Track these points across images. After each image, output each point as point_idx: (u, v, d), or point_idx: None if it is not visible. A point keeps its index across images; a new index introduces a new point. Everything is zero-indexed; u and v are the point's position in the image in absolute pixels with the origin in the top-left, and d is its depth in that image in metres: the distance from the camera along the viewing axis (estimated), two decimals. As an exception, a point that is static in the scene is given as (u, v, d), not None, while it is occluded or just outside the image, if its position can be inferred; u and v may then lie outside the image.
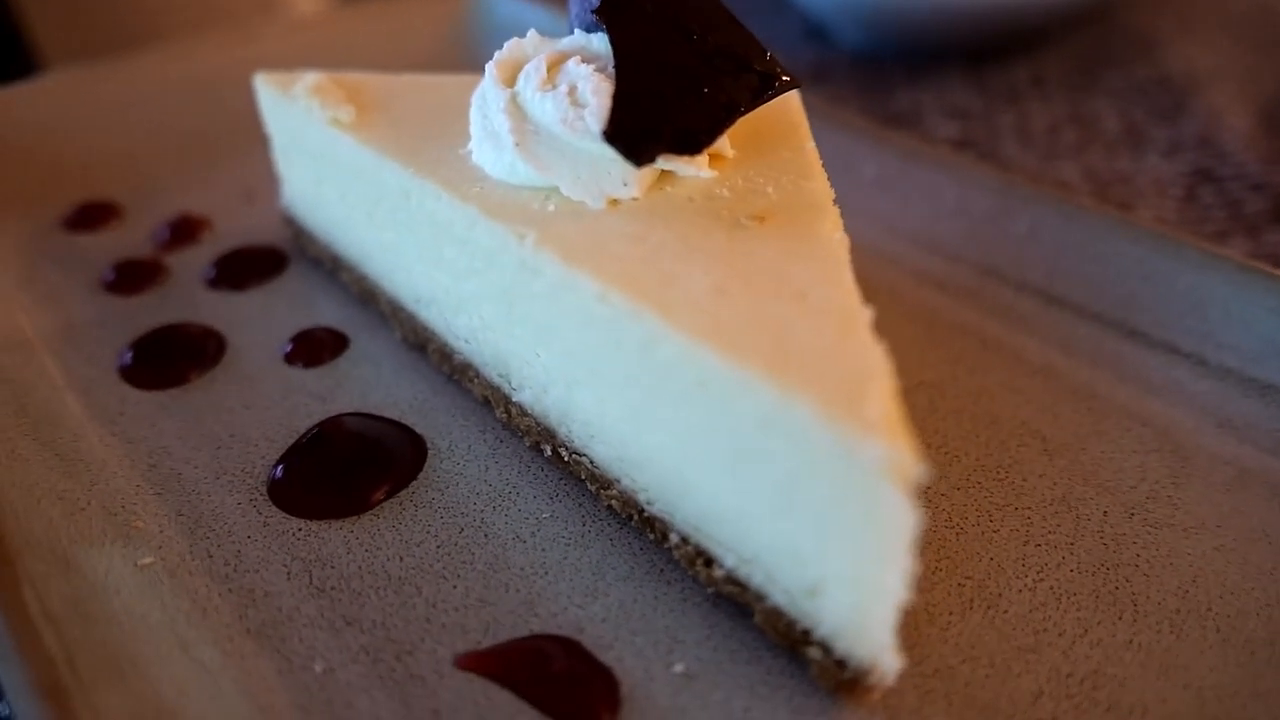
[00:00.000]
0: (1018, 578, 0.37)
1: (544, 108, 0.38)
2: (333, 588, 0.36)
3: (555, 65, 0.39)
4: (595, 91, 0.37)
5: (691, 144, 0.36)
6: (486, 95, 0.40)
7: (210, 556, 0.37)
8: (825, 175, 0.40)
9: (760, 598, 0.34)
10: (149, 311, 0.51)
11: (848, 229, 0.52)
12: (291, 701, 0.31)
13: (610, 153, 0.36)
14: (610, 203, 0.37)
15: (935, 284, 0.53)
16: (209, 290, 0.53)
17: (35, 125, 0.62)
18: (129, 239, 0.56)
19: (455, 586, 0.36)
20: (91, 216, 0.58)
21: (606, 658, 0.34)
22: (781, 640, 0.33)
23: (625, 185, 0.37)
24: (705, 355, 0.30)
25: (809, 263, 0.34)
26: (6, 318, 0.48)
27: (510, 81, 0.39)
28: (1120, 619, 0.35)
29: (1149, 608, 0.35)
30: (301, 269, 0.54)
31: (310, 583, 0.36)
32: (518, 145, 0.38)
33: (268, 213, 0.58)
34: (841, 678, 0.32)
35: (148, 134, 0.64)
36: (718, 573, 0.35)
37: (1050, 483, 0.41)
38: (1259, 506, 0.39)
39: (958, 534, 0.39)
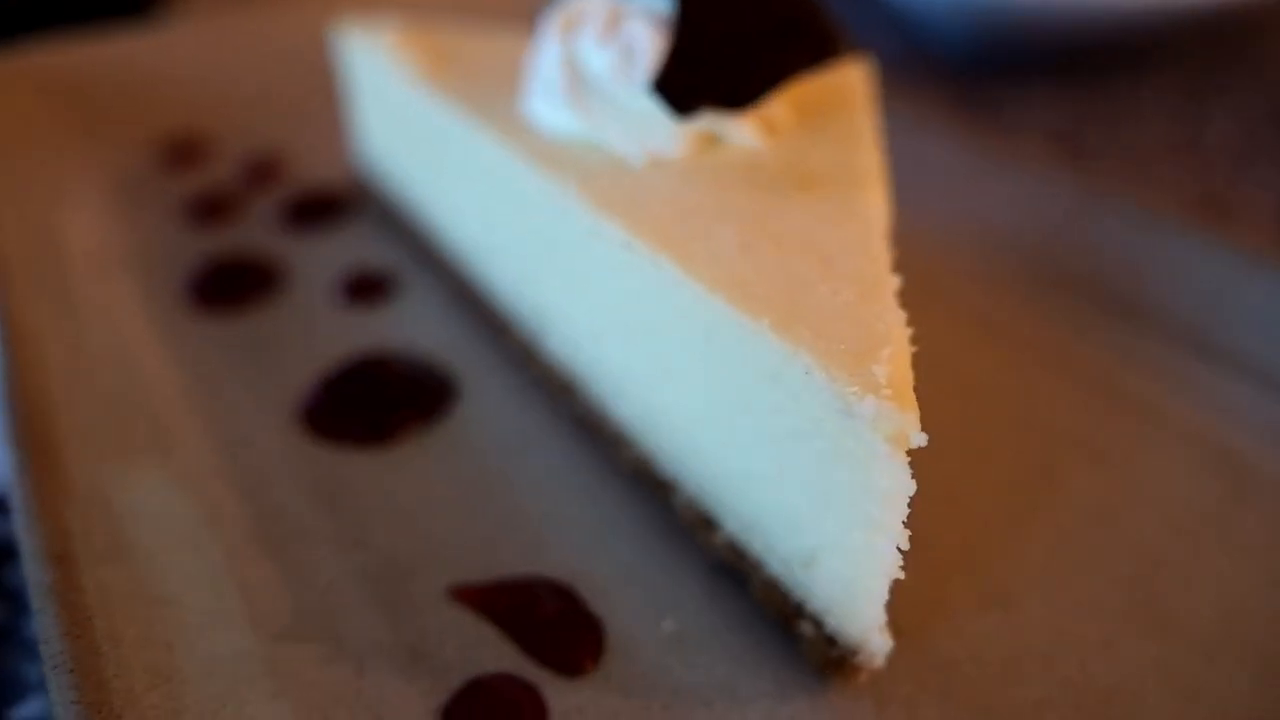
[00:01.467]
0: (1043, 583, 0.35)
1: (598, 60, 0.38)
2: (348, 511, 0.37)
3: (616, 20, 0.39)
4: (649, 46, 0.37)
5: (737, 101, 0.36)
6: (545, 47, 0.40)
7: (237, 470, 0.38)
8: (878, 150, 0.39)
9: (757, 566, 0.33)
10: (221, 242, 0.53)
11: (915, 224, 0.51)
12: (289, 608, 0.32)
13: (657, 110, 0.35)
14: (654, 161, 0.37)
15: (999, 286, 0.50)
16: (279, 228, 0.55)
17: (150, 67, 0.66)
18: (214, 177, 0.59)
19: (463, 523, 0.36)
20: (184, 152, 0.61)
21: (598, 608, 0.33)
22: (775, 613, 0.33)
23: (669, 143, 0.37)
24: (718, 305, 0.29)
25: (842, 230, 0.33)
26: (92, 235, 0.51)
27: (569, 35, 0.40)
28: (1149, 637, 0.33)
29: (1183, 629, 0.33)
30: (368, 215, 0.56)
31: (328, 505, 0.37)
32: (569, 96, 0.38)
33: (344, 160, 0.60)
34: (830, 655, 0.31)
35: (250, 81, 0.68)
36: (719, 539, 0.34)
37: (1092, 493, 0.39)
38: (1322, 539, 0.36)
39: (984, 533, 0.37)
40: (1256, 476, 0.39)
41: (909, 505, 0.27)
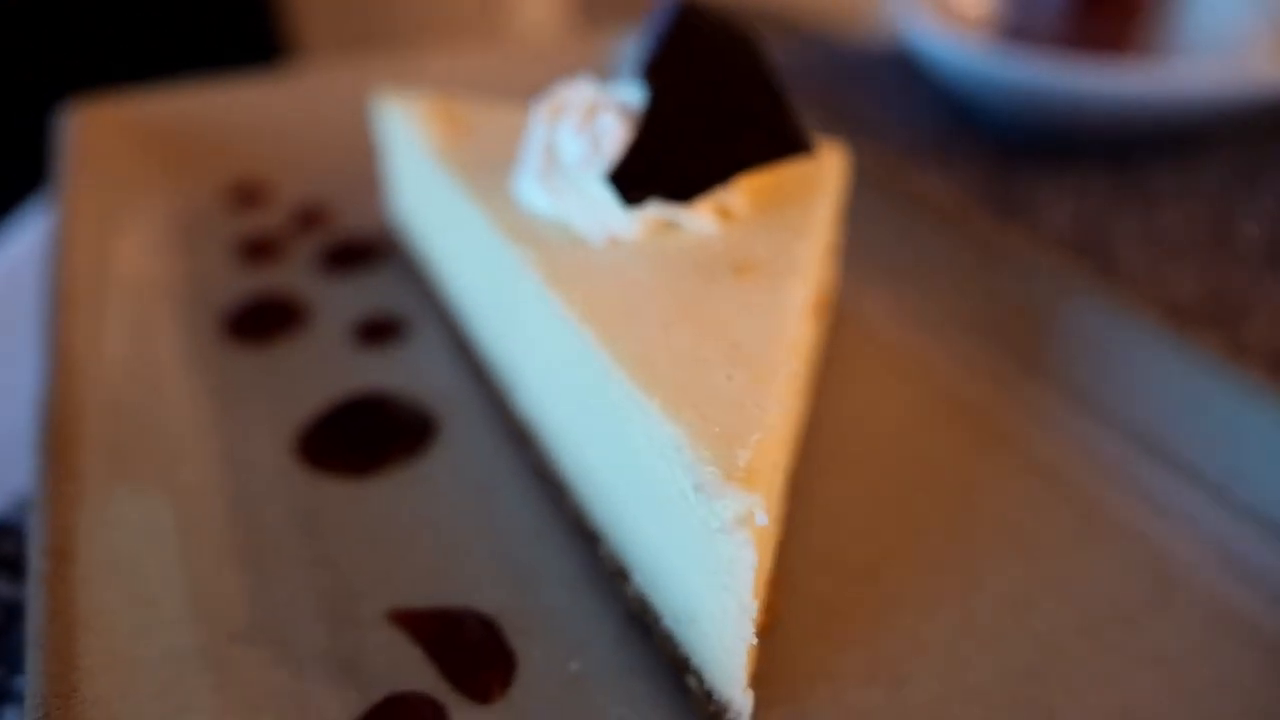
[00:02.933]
0: (937, 667, 0.36)
1: (571, 147, 0.42)
2: (318, 534, 0.41)
3: (593, 112, 0.43)
4: (615, 137, 0.41)
5: (684, 194, 0.40)
6: (533, 131, 0.45)
7: (233, 489, 0.43)
8: (823, 240, 0.42)
9: (657, 619, 0.36)
10: (260, 280, 0.60)
11: (898, 301, 0.53)
12: (248, 615, 0.37)
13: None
14: (612, 242, 0.41)
15: (969, 367, 0.52)
16: (315, 272, 0.61)
17: (228, 117, 0.74)
18: (266, 220, 0.66)
19: (417, 553, 0.41)
20: (246, 195, 0.69)
21: (516, 643, 0.37)
22: (670, 663, 0.35)
23: (627, 227, 0.41)
24: (622, 378, 0.33)
25: (759, 317, 0.36)
26: (145, 262, 0.58)
27: (553, 121, 0.44)
28: (1027, 729, 0.34)
29: (1064, 726, 0.34)
30: (393, 265, 0.62)
31: (304, 526, 0.42)
32: (537, 178, 0.42)
33: (380, 214, 0.66)
34: (709, 709, 0.33)
35: (316, 137, 0.75)
36: (631, 590, 0.37)
37: (1009, 582, 0.40)
38: (1233, 653, 0.37)
39: (892, 610, 0.39)
40: (1186, 588, 0.39)
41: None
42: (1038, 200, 0.77)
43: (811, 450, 0.47)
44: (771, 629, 0.37)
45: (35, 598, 0.32)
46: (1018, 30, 0.87)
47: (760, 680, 0.35)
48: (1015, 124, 0.85)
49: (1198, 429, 0.44)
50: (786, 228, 0.42)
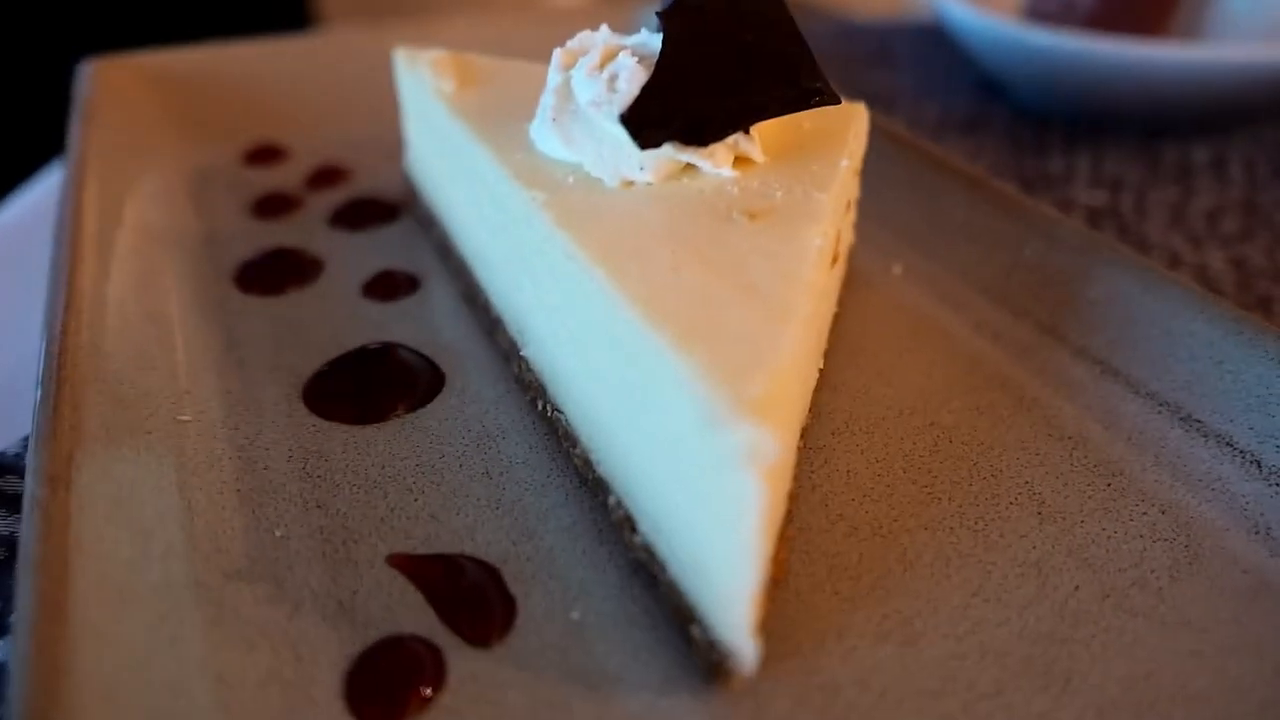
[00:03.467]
0: (950, 626, 0.35)
1: (586, 90, 0.41)
2: (319, 476, 0.41)
3: (610, 56, 0.42)
4: (630, 80, 0.40)
5: (698, 136, 0.38)
6: (549, 76, 0.44)
7: (235, 429, 0.43)
8: (840, 189, 0.41)
9: (663, 568, 0.35)
10: (274, 234, 0.59)
11: (923, 269, 0.52)
12: (245, 551, 0.36)
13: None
14: (625, 184, 0.40)
15: (991, 334, 0.51)
16: (329, 227, 0.61)
17: (251, 74, 0.74)
18: (282, 176, 0.66)
19: (416, 499, 0.40)
20: (264, 154, 0.69)
21: (516, 590, 0.36)
22: (675, 613, 0.34)
23: (641, 169, 0.40)
24: (634, 317, 0.32)
25: (774, 260, 0.34)
26: (158, 214, 0.58)
27: (569, 66, 0.43)
28: (1044, 690, 0.33)
29: (1082, 688, 0.33)
30: (407, 222, 0.61)
31: (303, 468, 0.41)
32: (554, 121, 0.41)
33: (398, 171, 0.65)
34: (712, 660, 0.32)
35: (338, 94, 0.74)
36: (637, 539, 0.36)
37: (1030, 545, 0.38)
38: (1261, 620, 0.35)
39: (905, 570, 0.37)
40: (1213, 556, 0.38)
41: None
42: (1068, 175, 0.75)
43: (827, 409, 0.45)
44: (781, 583, 0.36)
45: (30, 523, 0.32)
46: (1052, 14, 0.85)
47: (768, 634, 0.34)
48: (1048, 100, 0.83)
49: (1227, 396, 0.43)
50: (804, 178, 0.41)
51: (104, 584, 0.32)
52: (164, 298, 0.50)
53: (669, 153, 0.39)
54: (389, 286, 0.54)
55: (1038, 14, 0.85)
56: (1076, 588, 0.37)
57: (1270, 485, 0.40)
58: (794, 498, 0.40)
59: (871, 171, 0.58)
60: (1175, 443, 0.43)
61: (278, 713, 0.31)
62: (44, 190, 0.73)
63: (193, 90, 0.71)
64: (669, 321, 0.31)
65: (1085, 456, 0.43)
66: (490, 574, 0.36)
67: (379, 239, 0.60)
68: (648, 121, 0.38)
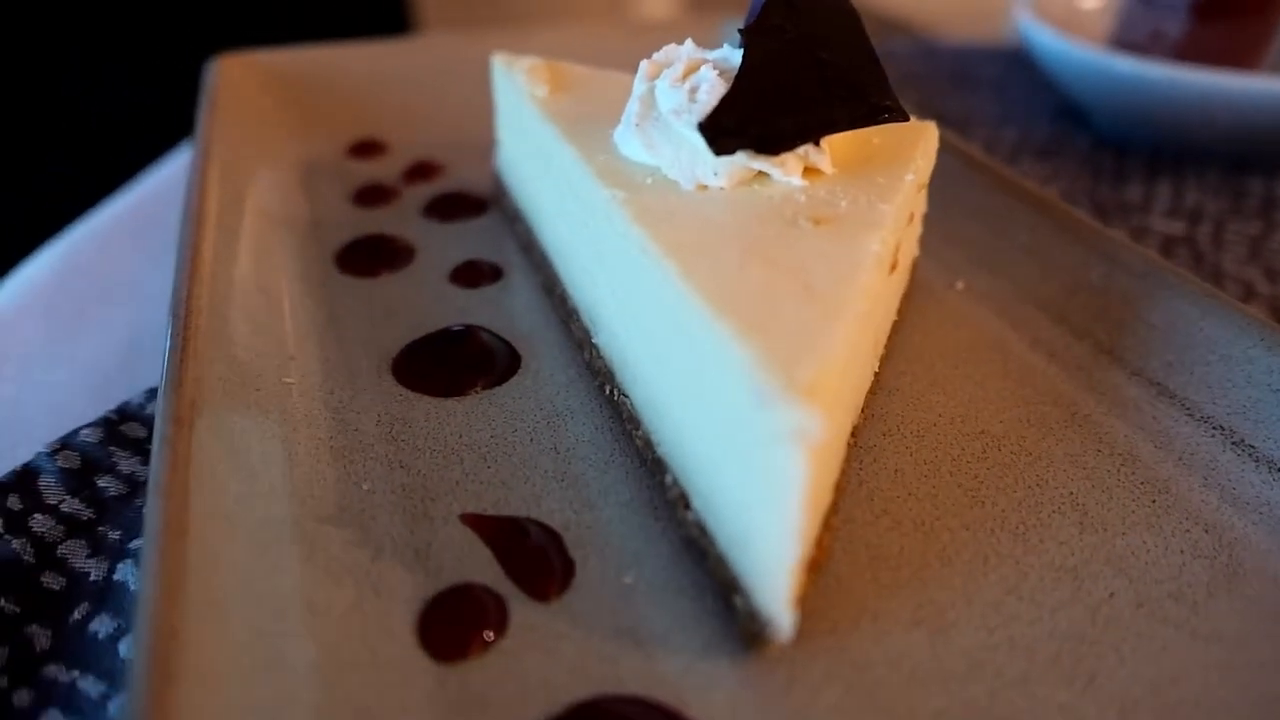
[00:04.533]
0: (982, 619, 0.37)
1: (669, 98, 0.44)
2: (403, 440, 0.45)
3: (694, 69, 0.45)
4: (710, 91, 0.43)
5: (770, 145, 0.41)
6: (636, 85, 0.47)
7: (332, 393, 0.47)
8: (905, 203, 0.43)
9: (712, 542, 0.37)
10: (373, 222, 0.64)
11: (985, 286, 0.54)
12: (336, 500, 0.41)
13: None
14: (700, 187, 0.43)
15: (1048, 352, 0.52)
16: (422, 217, 0.65)
17: (360, 74, 0.80)
18: (381, 169, 0.71)
19: (489, 467, 0.43)
20: (366, 148, 0.74)
21: (575, 553, 0.39)
22: (721, 585, 0.37)
23: (715, 175, 0.43)
24: (699, 306, 0.34)
25: (832, 262, 0.37)
26: (278, 201, 0.63)
27: (654, 76, 0.47)
28: (1068, 685, 0.34)
29: (1106, 686, 0.34)
30: (495, 216, 0.65)
31: (390, 432, 0.45)
32: (638, 126, 0.45)
33: (488, 169, 0.70)
34: (752, 629, 0.35)
35: (436, 95, 0.79)
36: (690, 516, 0.39)
37: (1068, 552, 0.40)
38: (1295, 642, 0.36)
39: (943, 565, 0.39)
40: (1253, 576, 0.39)
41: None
42: (1145, 204, 0.75)
43: (881, 412, 0.47)
44: (823, 567, 0.39)
45: (159, 456, 0.36)
46: (1140, 43, 0.84)
47: (807, 612, 0.36)
48: (1131, 129, 0.83)
49: (1283, 424, 0.43)
50: (869, 189, 0.43)
51: (216, 514, 0.36)
52: (274, 274, 0.55)
53: (742, 160, 0.42)
54: (474, 274, 0.58)
55: (1124, 42, 0.85)
56: (1111, 594, 0.38)
57: (1319, 513, 0.41)
58: (841, 490, 0.42)
59: (941, 190, 0.60)
60: (1226, 465, 0.44)
61: (358, 640, 0.34)
62: (170, 171, 0.80)
63: (305, 87, 0.77)
64: (731, 313, 0.34)
65: (1133, 473, 0.44)
66: (553, 537, 0.40)
67: (467, 230, 0.64)
68: (723, 130, 0.41)
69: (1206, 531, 0.41)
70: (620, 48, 0.67)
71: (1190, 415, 0.46)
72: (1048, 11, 0.92)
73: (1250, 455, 0.44)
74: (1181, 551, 0.40)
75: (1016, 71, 1.02)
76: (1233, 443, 0.44)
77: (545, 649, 0.35)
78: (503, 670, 0.34)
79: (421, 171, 0.71)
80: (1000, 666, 0.35)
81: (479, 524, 0.40)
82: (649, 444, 0.43)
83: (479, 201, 0.67)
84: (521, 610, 0.37)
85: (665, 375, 0.40)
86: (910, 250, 0.54)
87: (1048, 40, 0.83)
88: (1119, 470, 0.44)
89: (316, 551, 0.38)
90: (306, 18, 1.47)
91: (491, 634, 0.35)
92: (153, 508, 0.34)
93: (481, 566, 0.38)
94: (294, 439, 0.43)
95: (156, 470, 0.36)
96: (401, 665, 0.34)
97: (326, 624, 0.35)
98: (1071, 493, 0.43)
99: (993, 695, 0.34)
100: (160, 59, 1.17)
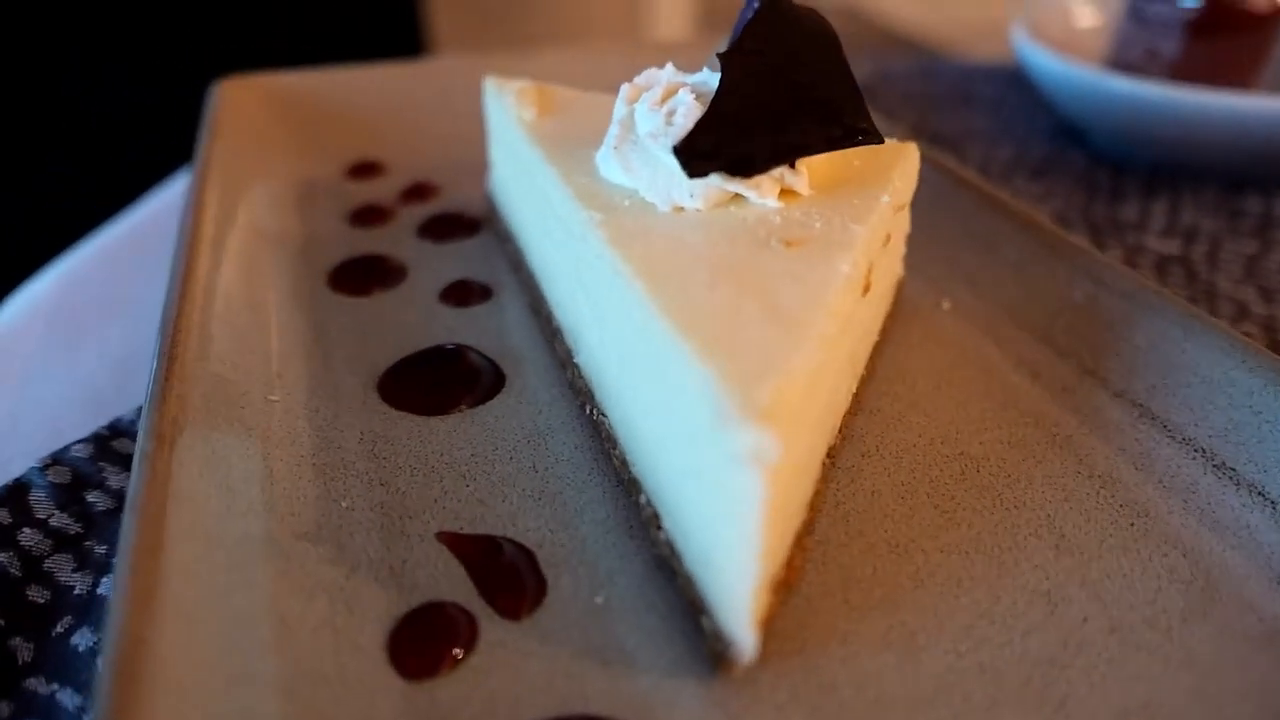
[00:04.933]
0: (952, 642, 0.37)
1: (646, 122, 0.45)
2: (384, 458, 0.45)
3: (672, 93, 0.46)
4: (686, 115, 0.43)
5: (745, 169, 0.42)
6: (616, 108, 0.48)
7: (316, 410, 0.48)
8: (880, 224, 0.43)
9: (681, 561, 0.38)
10: (368, 242, 0.65)
11: (971, 305, 0.54)
12: (314, 517, 0.41)
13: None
14: (676, 209, 0.43)
15: (1031, 372, 0.52)
16: (416, 238, 0.66)
17: (358, 97, 0.81)
18: (378, 190, 0.72)
19: (467, 485, 0.44)
20: (364, 169, 0.75)
21: (548, 573, 0.39)
22: (690, 605, 0.37)
23: (691, 197, 0.43)
24: (666, 326, 0.35)
25: (801, 284, 0.37)
26: (274, 219, 0.64)
27: (634, 100, 0.47)
28: (1037, 711, 0.34)
29: (1075, 712, 0.34)
30: (486, 237, 0.66)
31: (372, 449, 0.46)
32: (616, 149, 0.45)
33: (480, 190, 0.70)
34: (717, 649, 0.35)
35: (434, 118, 0.81)
36: (662, 535, 0.39)
37: (1043, 575, 0.40)
38: (1271, 667, 0.35)
39: (916, 587, 0.39)
40: (1230, 602, 0.38)
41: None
42: (1141, 222, 0.75)
43: (860, 433, 0.47)
44: (794, 588, 0.39)
45: (138, 472, 0.37)
46: (1135, 62, 0.84)
47: (775, 633, 0.36)
48: (1127, 148, 0.83)
49: (1262, 446, 0.43)
50: (844, 211, 0.43)
51: (194, 530, 0.37)
52: (265, 292, 0.56)
53: (716, 182, 0.42)
54: (464, 294, 0.59)
55: (1120, 62, 0.85)
56: (1085, 619, 0.38)
57: (1298, 537, 0.40)
58: (816, 511, 0.42)
59: (930, 209, 0.60)
60: (1206, 489, 0.43)
61: (328, 654, 0.35)
62: (172, 192, 0.82)
63: (306, 109, 0.78)
64: (695, 334, 0.34)
65: (1113, 496, 0.44)
66: (526, 556, 0.40)
67: (459, 251, 0.65)
68: (697, 153, 0.41)
69: (1184, 556, 0.40)
70: (622, 69, 0.67)
71: (1172, 438, 0.46)
72: (1045, 31, 0.93)
73: (1230, 478, 0.43)
74: (1158, 576, 0.39)
75: (1015, 91, 1.02)
76: (1214, 465, 0.44)
77: (513, 667, 0.35)
78: (470, 688, 0.34)
79: (418, 192, 0.72)
80: (969, 691, 0.35)
81: (454, 542, 0.41)
82: (625, 463, 0.43)
83: (473, 222, 0.68)
84: (492, 628, 0.37)
85: (637, 395, 0.40)
86: (892, 270, 0.54)
87: (1043, 60, 0.83)
88: (1098, 493, 0.44)
89: (292, 567, 0.38)
90: (322, 39, 1.50)
91: (461, 652, 0.36)
92: (128, 523, 0.35)
93: (455, 584, 0.39)
94: (275, 456, 0.44)
95: (135, 486, 0.36)
96: (369, 681, 0.34)
97: (297, 639, 0.35)
98: (1049, 515, 0.43)
99: (956, 719, 0.34)
100: (178, 73, 1.19)
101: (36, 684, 0.38)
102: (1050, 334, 0.53)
